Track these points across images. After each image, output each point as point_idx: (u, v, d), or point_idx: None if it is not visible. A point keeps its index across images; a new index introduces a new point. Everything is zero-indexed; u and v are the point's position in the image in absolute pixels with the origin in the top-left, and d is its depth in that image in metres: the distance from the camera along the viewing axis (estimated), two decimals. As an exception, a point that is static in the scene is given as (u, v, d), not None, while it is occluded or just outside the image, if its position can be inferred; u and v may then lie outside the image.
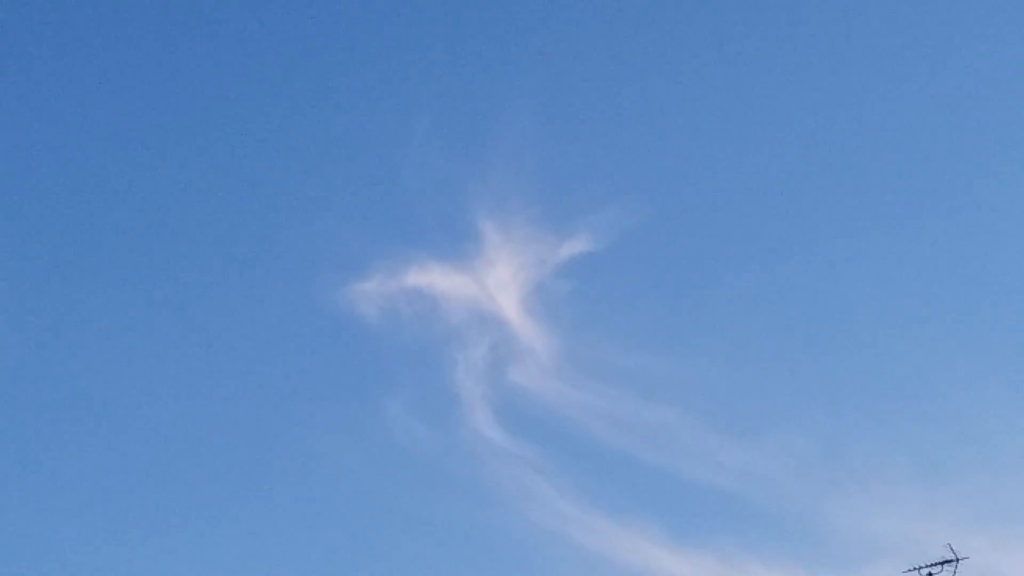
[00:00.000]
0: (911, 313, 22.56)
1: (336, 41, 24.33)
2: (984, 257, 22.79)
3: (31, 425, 21.73)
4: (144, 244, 23.34)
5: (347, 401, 22.28)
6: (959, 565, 16.28)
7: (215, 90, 24.15)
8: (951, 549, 16.27)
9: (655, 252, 23.37)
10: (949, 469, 20.74)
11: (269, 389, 22.31)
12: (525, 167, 23.29)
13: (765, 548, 19.89)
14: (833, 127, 23.87)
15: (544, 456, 21.08)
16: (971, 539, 16.98)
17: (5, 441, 21.61)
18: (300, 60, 24.20)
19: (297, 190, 23.75)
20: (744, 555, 19.81)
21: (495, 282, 22.39)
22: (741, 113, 24.10)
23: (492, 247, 22.56)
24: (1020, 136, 23.37)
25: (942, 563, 16.34)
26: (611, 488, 20.86)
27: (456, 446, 21.34)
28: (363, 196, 23.80)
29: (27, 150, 23.74)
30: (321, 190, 23.72)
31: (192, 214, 23.52)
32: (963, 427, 21.28)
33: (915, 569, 16.33)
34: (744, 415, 21.59)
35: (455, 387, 21.73)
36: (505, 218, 22.69)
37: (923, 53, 24.02)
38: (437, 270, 22.46)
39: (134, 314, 22.80)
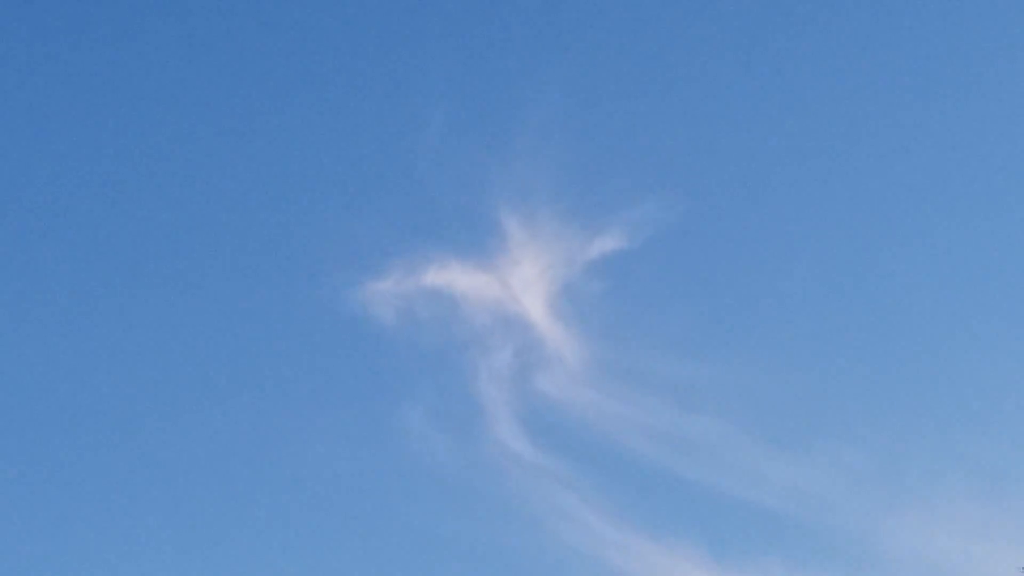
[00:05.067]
0: (972, 319, 21.43)
1: (344, 24, 23.08)
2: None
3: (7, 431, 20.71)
4: (143, 240, 22.23)
5: (360, 410, 21.24)
6: (1029, 587, 15.56)
7: (217, 80, 22.96)
8: (1023, 572, 16.20)
9: (695, 249, 22.23)
10: (1015, 484, 20.00)
11: (274, 396, 21.28)
12: (552, 157, 22.31)
13: (815, 571, 19.41)
14: (902, 108, 22.65)
15: (575, 471, 20.39)
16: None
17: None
18: (306, 45, 23.08)
19: (305, 184, 22.59)
20: (794, 578, 19.52)
21: (520, 282, 21.76)
22: (792, 97, 22.90)
23: (516, 244, 21.86)
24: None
25: (1011, 585, 15.63)
26: (648, 506, 20.19)
27: (479, 459, 20.57)
28: (377, 189, 22.57)
29: (25, 140, 22.57)
30: (331, 183, 22.57)
31: (194, 209, 22.41)
32: (1030, 439, 20.48)
33: (981, 593, 15.77)
34: (793, 427, 20.75)
35: (477, 395, 21.00)
36: (530, 212, 21.93)
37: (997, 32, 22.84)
38: (457, 269, 21.78)
39: (129, 313, 21.75)
